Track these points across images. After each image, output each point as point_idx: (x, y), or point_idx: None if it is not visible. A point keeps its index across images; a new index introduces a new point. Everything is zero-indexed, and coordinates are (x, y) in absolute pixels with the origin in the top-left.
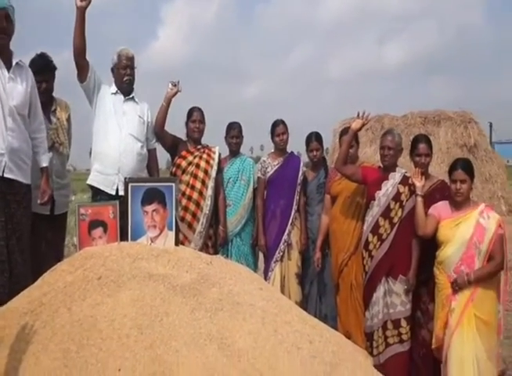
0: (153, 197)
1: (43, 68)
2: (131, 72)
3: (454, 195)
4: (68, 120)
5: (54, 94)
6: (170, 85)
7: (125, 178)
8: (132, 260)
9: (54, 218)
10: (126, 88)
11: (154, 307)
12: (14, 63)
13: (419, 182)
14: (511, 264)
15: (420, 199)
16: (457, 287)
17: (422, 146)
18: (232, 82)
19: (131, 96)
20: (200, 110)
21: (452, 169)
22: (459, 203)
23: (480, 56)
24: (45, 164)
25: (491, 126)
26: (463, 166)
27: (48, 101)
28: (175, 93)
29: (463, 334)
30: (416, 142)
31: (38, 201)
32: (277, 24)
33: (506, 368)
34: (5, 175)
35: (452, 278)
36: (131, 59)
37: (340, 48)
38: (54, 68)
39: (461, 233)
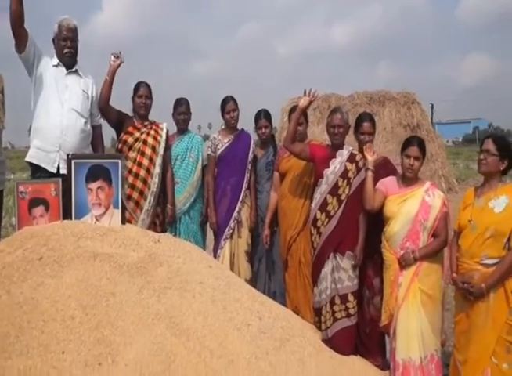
0: (98, 174)
1: None
2: (73, 44)
3: (406, 170)
4: (1, 92)
5: None
6: (112, 57)
7: (68, 155)
8: (76, 239)
9: None
10: (68, 60)
11: (100, 287)
12: None
13: (370, 157)
14: (451, 239)
15: (369, 173)
16: (404, 263)
17: (366, 125)
18: (181, 58)
19: (74, 69)
20: (147, 85)
21: (407, 145)
22: (407, 179)
23: (423, 38)
24: None
25: (432, 107)
26: (418, 143)
27: None
28: (118, 65)
29: (409, 308)
30: (360, 120)
31: None
32: (227, 1)
33: (447, 338)
34: None
35: (399, 254)
36: (72, 30)
37: (289, 27)
38: None
39: (407, 210)
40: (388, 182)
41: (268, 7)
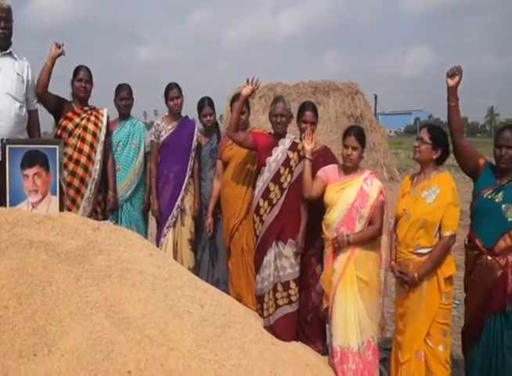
0: (35, 159)
1: None
2: (7, 25)
3: (344, 160)
4: None
5: None
6: (54, 45)
7: (2, 140)
8: (11, 227)
9: None
10: (1, 42)
11: (35, 276)
12: None
13: (308, 146)
14: (391, 227)
15: (308, 162)
16: (336, 244)
17: (308, 114)
18: (126, 44)
19: (8, 52)
20: (87, 69)
21: (345, 135)
22: (347, 168)
23: (368, 29)
24: None
25: (376, 98)
26: (356, 133)
27: None
28: (59, 54)
29: (346, 293)
30: (302, 109)
31: None
32: None
33: (385, 323)
34: None
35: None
36: (6, 10)
37: (236, 15)
38: None
39: (345, 197)
40: (329, 171)
41: None
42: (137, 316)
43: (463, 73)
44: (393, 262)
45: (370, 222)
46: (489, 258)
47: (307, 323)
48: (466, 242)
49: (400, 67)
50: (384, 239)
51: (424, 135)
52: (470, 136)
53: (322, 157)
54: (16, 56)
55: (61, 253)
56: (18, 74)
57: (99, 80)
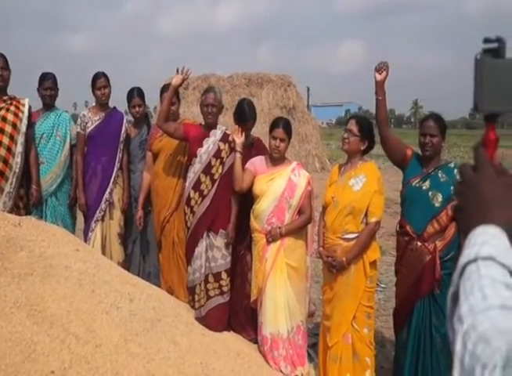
0: None
1: None
2: None
3: (272, 151)
4: None
5: None
6: None
7: None
8: None
9: None
10: None
11: None
12: None
13: (238, 139)
14: (320, 215)
15: (238, 155)
16: (271, 238)
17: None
18: (54, 31)
19: None
20: (2, 56)
21: (273, 127)
22: (275, 159)
23: (303, 22)
24: None
25: (308, 90)
26: (284, 125)
27: None
28: None
29: (276, 281)
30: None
31: None
32: None
33: (315, 309)
34: None
35: (266, 230)
36: None
37: (173, 5)
38: None
39: (274, 188)
40: (257, 162)
41: None
42: (62, 313)
43: (391, 67)
44: (321, 248)
45: (299, 212)
46: (419, 243)
47: (239, 312)
48: (398, 229)
49: (332, 61)
50: (310, 226)
51: (353, 127)
52: (397, 127)
53: (255, 149)
54: None
55: None
56: None
57: (26, 69)
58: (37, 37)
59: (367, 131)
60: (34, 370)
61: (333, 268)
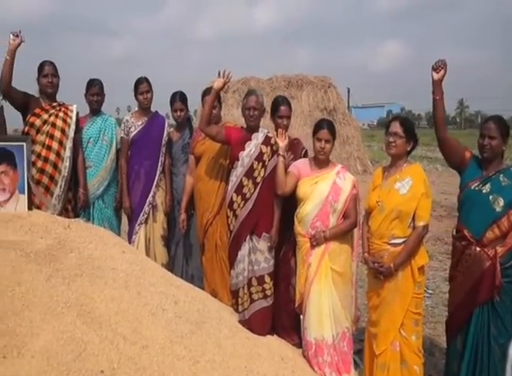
0: (1, 157)
1: None
2: None
3: (317, 153)
4: None
5: None
6: (11, 36)
7: None
8: None
9: None
10: None
11: (4, 276)
12: None
13: (282, 142)
14: (362, 220)
15: (281, 159)
16: (315, 242)
17: (283, 109)
18: (98, 38)
19: None
20: (52, 63)
21: (317, 128)
22: (319, 162)
23: (343, 23)
24: None
25: (349, 91)
26: (328, 126)
27: None
28: (18, 44)
29: (321, 286)
30: (277, 104)
31: None
32: None
33: (360, 315)
34: None
35: (310, 234)
36: None
37: (211, 7)
38: None
39: (319, 191)
40: (301, 165)
41: None
42: (109, 314)
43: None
44: (366, 254)
45: (344, 216)
46: (478, 249)
47: (283, 316)
48: (454, 233)
49: (373, 61)
50: (355, 231)
51: (398, 129)
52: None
53: (294, 150)
54: None
55: (30, 252)
56: None
57: (71, 76)
58: (82, 44)
59: (411, 132)
60: (85, 369)
61: (380, 274)
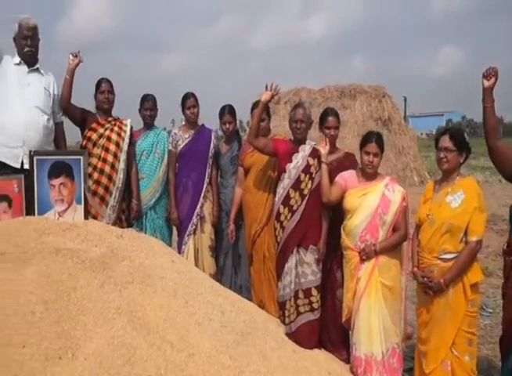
0: (60, 170)
1: None
2: (33, 42)
3: (365, 166)
4: None
5: None
6: (71, 57)
7: (30, 152)
8: (38, 235)
9: None
10: (29, 58)
11: (61, 282)
12: None
13: (323, 150)
14: (412, 233)
15: (324, 166)
16: (365, 256)
17: (330, 119)
18: (154, 53)
19: (35, 67)
20: (108, 80)
21: (365, 141)
22: (367, 174)
23: (397, 30)
24: None
25: (405, 100)
26: (376, 139)
27: None
28: (77, 64)
29: (370, 301)
30: (325, 115)
31: None
32: None
33: (413, 331)
34: None
35: (359, 248)
36: (32, 29)
37: (263, 19)
38: None
39: (367, 203)
40: (348, 176)
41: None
42: (158, 321)
43: (499, 73)
44: (416, 269)
45: (394, 229)
46: None
47: (331, 330)
48: (505, 248)
49: (431, 69)
50: (405, 244)
51: (447, 143)
52: (506, 137)
53: (344, 164)
54: (42, 71)
55: (86, 260)
56: (45, 88)
57: (129, 90)
58: (139, 59)
59: (462, 143)
60: (134, 373)
61: (430, 289)
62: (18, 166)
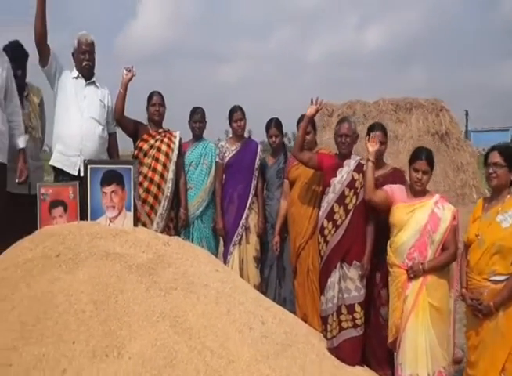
0: (112, 178)
1: (18, 56)
2: (91, 57)
3: (414, 184)
4: (40, 104)
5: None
6: (124, 71)
7: (84, 160)
8: (91, 239)
9: (29, 197)
10: (86, 72)
11: (110, 284)
12: None
13: (372, 148)
14: (461, 253)
15: (370, 164)
16: (412, 274)
17: (378, 134)
18: (210, 65)
19: (92, 81)
20: (159, 93)
21: (415, 158)
22: (415, 191)
23: (457, 42)
24: (22, 145)
25: (467, 114)
26: (427, 157)
27: (21, 86)
28: (130, 78)
29: (418, 322)
30: (371, 129)
31: (16, 180)
32: (257, 7)
33: (463, 356)
34: None
35: (406, 265)
36: (90, 44)
37: (319, 32)
38: (27, 55)
39: (416, 220)
40: (396, 189)
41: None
42: (199, 327)
43: None
44: (464, 290)
45: (443, 247)
46: None
47: (375, 348)
48: None
49: (496, 81)
50: (454, 264)
51: (497, 158)
52: None
53: (390, 181)
54: (98, 84)
55: (133, 265)
56: (100, 100)
57: (183, 101)
58: (195, 70)
59: None
60: (174, 375)
61: (479, 312)
62: (75, 173)
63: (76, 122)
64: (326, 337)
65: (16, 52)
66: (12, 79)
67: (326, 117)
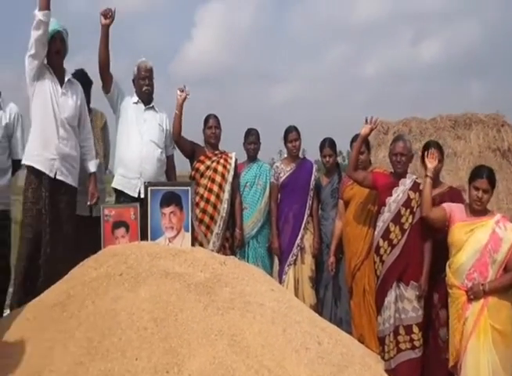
0: (171, 199)
1: (83, 84)
2: (150, 82)
3: (473, 202)
4: (103, 128)
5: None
6: (178, 92)
7: (145, 183)
8: (151, 258)
9: (92, 218)
10: (146, 97)
11: (170, 303)
12: (66, 79)
13: (430, 164)
14: None
15: (428, 180)
16: (472, 295)
17: (435, 151)
18: (265, 86)
19: (151, 105)
20: (215, 116)
21: (475, 176)
22: (474, 210)
23: None
24: (93, 169)
25: None
26: (488, 175)
27: None
28: (184, 98)
29: (479, 344)
30: (427, 147)
31: (88, 203)
32: (311, 26)
33: None
34: (57, 177)
35: (466, 286)
36: (149, 70)
37: (374, 48)
38: (91, 83)
39: (476, 239)
40: (455, 208)
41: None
42: (256, 346)
43: None
44: None
45: (505, 268)
46: None
47: (434, 370)
48: None
49: None
50: None
51: None
52: None
53: (447, 199)
54: (157, 108)
55: (191, 284)
56: (159, 124)
57: (237, 122)
58: (250, 92)
59: None
60: None
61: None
62: (136, 195)
63: (136, 146)
64: (383, 358)
65: (81, 80)
66: (86, 107)
67: (382, 134)
